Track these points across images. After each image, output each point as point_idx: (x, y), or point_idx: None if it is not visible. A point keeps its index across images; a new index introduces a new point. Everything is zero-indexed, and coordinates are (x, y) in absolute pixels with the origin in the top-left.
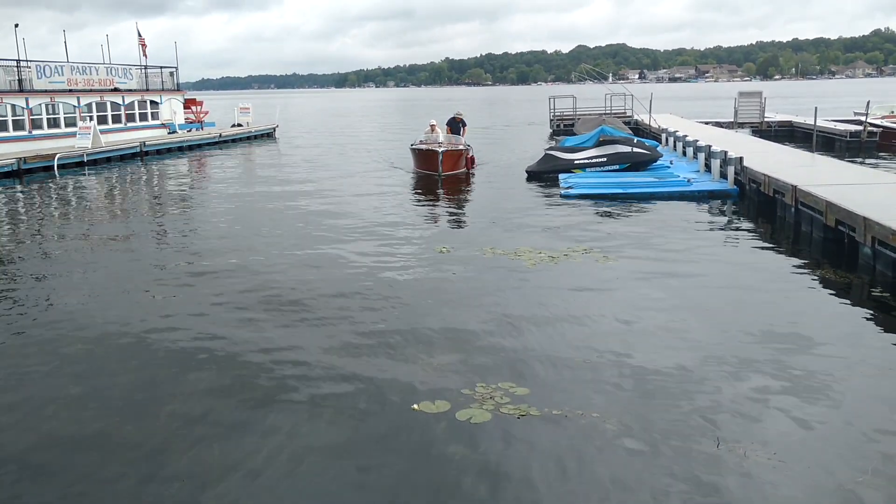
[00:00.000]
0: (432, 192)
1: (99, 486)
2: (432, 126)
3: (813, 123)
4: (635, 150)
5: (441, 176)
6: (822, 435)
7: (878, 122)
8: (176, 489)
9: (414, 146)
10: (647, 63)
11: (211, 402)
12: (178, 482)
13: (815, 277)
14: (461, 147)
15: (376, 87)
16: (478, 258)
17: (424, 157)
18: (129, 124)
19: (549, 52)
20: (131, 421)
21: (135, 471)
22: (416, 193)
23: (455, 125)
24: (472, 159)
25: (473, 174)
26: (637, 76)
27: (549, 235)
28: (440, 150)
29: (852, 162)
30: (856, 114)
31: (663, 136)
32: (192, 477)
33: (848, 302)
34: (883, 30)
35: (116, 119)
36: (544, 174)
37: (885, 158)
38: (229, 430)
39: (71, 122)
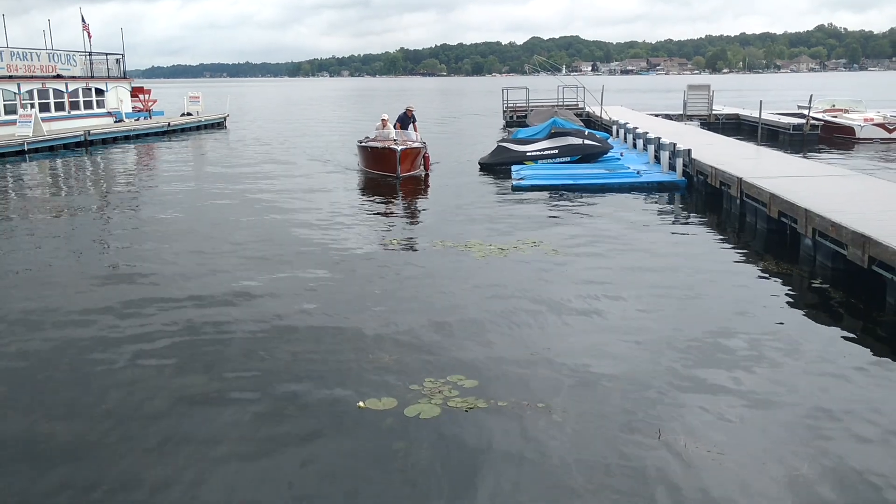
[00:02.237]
0: (385, 191)
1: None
2: (384, 121)
3: (758, 117)
4: (586, 142)
5: (399, 178)
6: (762, 427)
7: (820, 115)
8: (114, 490)
9: (364, 143)
10: (600, 55)
11: (149, 401)
12: (116, 484)
13: (758, 268)
14: (418, 145)
15: (330, 76)
16: (428, 251)
17: (379, 157)
18: (73, 112)
19: (503, 44)
20: (63, 419)
21: (67, 472)
22: (366, 191)
23: (406, 121)
24: (428, 159)
25: (430, 173)
26: (590, 68)
27: (500, 228)
28: (398, 148)
29: (795, 155)
30: (799, 107)
31: (614, 128)
32: (128, 479)
33: (789, 293)
34: (826, 25)
35: (59, 107)
36: (497, 166)
37: (826, 151)
38: (169, 428)
39: (11, 110)
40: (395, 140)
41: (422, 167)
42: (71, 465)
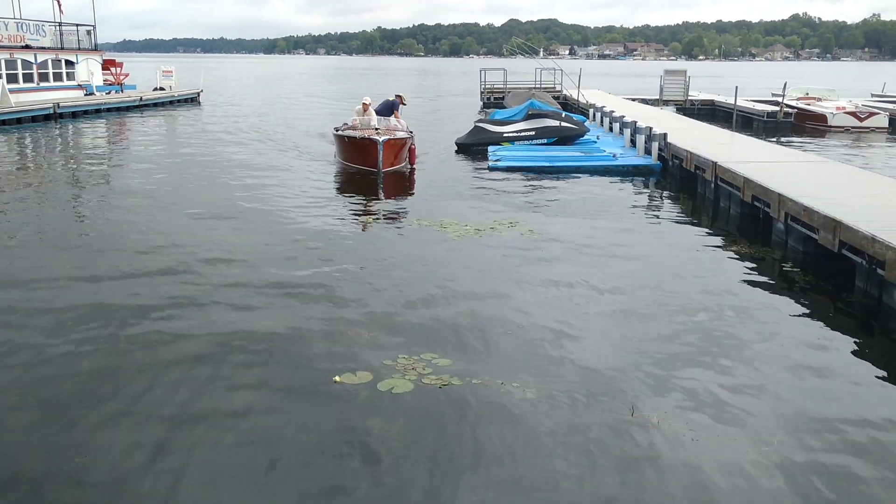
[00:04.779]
0: (363, 188)
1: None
2: (365, 105)
3: (733, 103)
4: (563, 124)
5: (381, 173)
6: (732, 405)
7: (793, 103)
8: (84, 460)
9: (341, 132)
10: (578, 39)
11: (120, 377)
12: (86, 450)
13: (731, 251)
14: (403, 134)
15: (306, 54)
16: (403, 230)
17: (358, 148)
18: (42, 84)
19: (481, 25)
20: (29, 397)
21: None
22: (341, 184)
23: (391, 109)
24: (414, 151)
25: (416, 168)
26: (567, 52)
27: (476, 208)
28: (380, 139)
29: (769, 141)
30: (773, 95)
31: (591, 111)
32: (94, 461)
33: (761, 276)
34: (801, 15)
35: (28, 78)
36: (473, 146)
37: (799, 138)
38: (140, 400)
39: None
40: (376, 129)
41: (407, 161)
42: (34, 426)
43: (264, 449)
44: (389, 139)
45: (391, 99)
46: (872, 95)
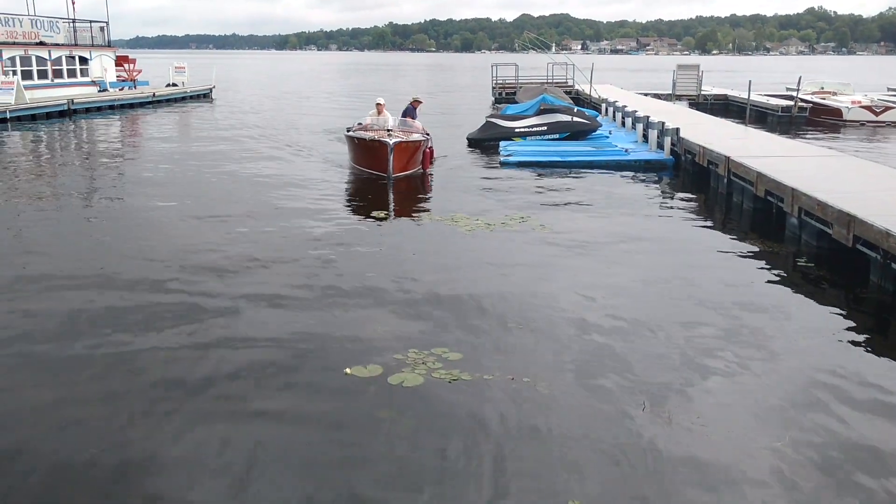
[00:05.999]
0: (370, 194)
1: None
2: (379, 106)
3: (747, 97)
4: (575, 119)
5: (391, 178)
6: (745, 399)
7: (808, 97)
8: (97, 464)
9: (352, 133)
10: (591, 34)
11: (134, 371)
12: (103, 448)
13: (745, 246)
14: (418, 137)
15: (318, 50)
16: (415, 224)
17: (368, 151)
18: (57, 80)
19: (493, 20)
20: (50, 392)
21: (53, 450)
22: (350, 189)
23: (411, 115)
24: (432, 153)
25: (432, 174)
26: (580, 47)
27: (488, 203)
28: (391, 141)
29: (783, 135)
30: (788, 89)
31: (603, 106)
32: (115, 443)
33: (775, 271)
34: (816, 8)
35: (42, 74)
36: (485, 142)
37: (813, 132)
38: (157, 390)
39: None
40: (389, 131)
41: (421, 165)
42: (48, 426)
43: (273, 440)
44: (401, 142)
45: (407, 107)
46: (889, 89)
